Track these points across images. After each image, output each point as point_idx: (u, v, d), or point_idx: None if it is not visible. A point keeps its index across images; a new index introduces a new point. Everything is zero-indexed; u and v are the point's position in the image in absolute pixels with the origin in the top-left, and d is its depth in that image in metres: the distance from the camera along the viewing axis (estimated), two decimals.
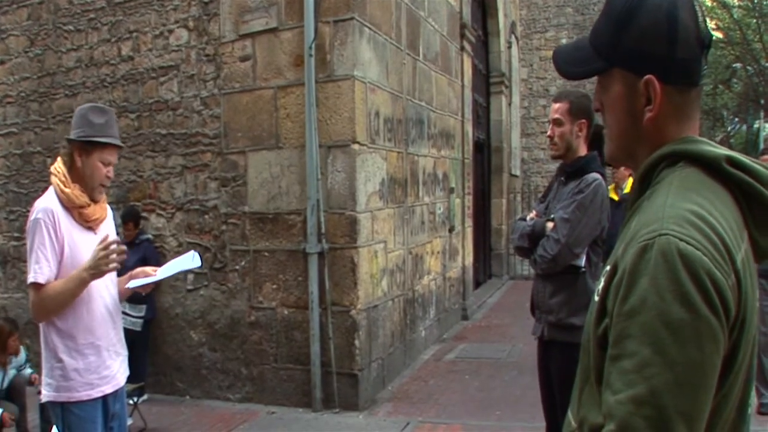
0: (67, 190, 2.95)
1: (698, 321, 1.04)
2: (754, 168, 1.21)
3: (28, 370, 5.68)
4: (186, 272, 3.69)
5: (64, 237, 2.90)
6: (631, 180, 5.88)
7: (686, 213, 1.12)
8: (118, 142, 3.10)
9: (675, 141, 1.26)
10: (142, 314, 6.49)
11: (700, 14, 1.27)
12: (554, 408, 3.47)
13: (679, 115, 1.28)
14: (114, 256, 2.87)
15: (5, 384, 5.44)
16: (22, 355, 5.69)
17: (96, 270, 2.84)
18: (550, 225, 3.40)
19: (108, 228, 3.19)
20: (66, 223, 2.92)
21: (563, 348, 3.32)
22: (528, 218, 3.60)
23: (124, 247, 2.94)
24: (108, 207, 3.25)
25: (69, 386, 2.92)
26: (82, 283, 2.85)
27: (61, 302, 2.86)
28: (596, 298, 1.23)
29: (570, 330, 3.29)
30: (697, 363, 1.04)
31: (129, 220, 6.58)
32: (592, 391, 1.23)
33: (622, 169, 6.08)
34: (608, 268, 1.20)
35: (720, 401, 1.12)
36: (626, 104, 1.31)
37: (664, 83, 1.25)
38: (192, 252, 3.34)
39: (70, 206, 2.95)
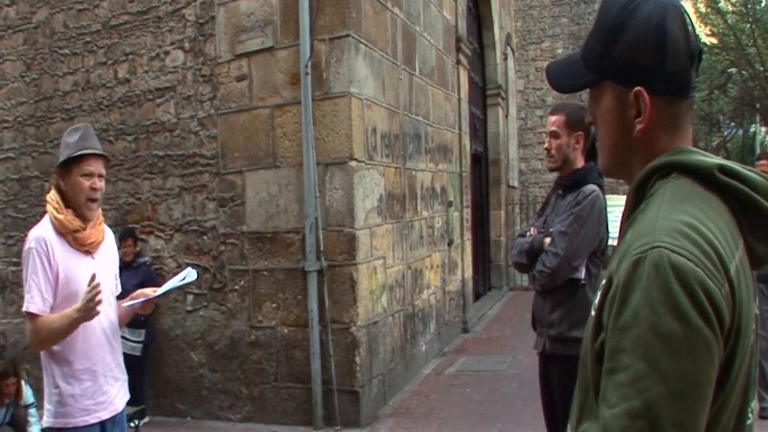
0: (60, 216, 2.96)
1: (691, 332, 1.04)
2: (746, 176, 1.21)
3: (30, 399, 5.62)
4: (184, 287, 3.72)
5: (59, 264, 2.90)
6: None
7: (678, 224, 1.12)
8: (92, 150, 3.05)
9: (667, 152, 1.26)
10: (141, 339, 6.47)
11: (690, 27, 1.27)
12: (556, 422, 3.46)
13: (670, 126, 1.28)
14: (98, 297, 2.79)
15: (7, 418, 5.43)
16: (29, 396, 5.60)
17: (85, 313, 2.80)
18: (547, 241, 3.40)
19: (107, 251, 3.18)
20: (60, 249, 2.92)
21: (565, 361, 3.30)
22: (527, 235, 3.60)
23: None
24: (107, 229, 3.24)
25: (65, 412, 2.91)
26: (73, 322, 2.83)
27: (54, 338, 2.87)
28: (593, 313, 1.23)
29: (571, 343, 3.27)
30: (690, 375, 1.04)
31: (128, 236, 6.57)
32: (591, 405, 1.22)
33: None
34: (604, 281, 1.20)
35: (718, 410, 1.12)
36: (617, 116, 1.31)
37: (654, 95, 1.25)
38: (188, 269, 3.33)
39: (64, 231, 2.95)
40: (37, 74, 7.70)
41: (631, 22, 1.26)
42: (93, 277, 2.81)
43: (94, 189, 3.03)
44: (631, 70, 1.27)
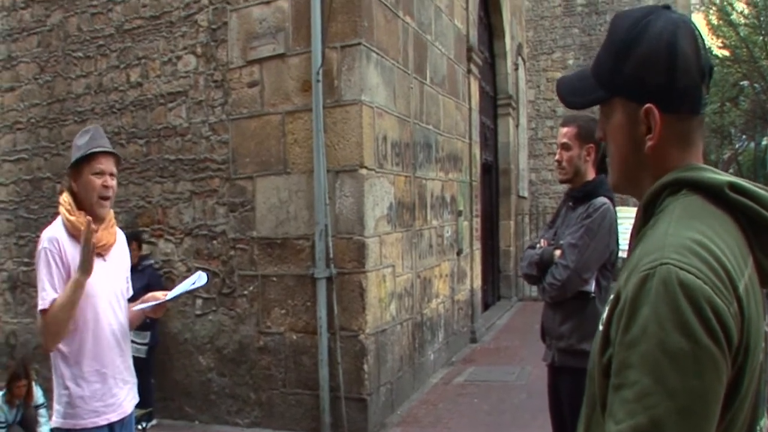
0: (72, 217, 2.98)
1: (698, 350, 1.04)
2: (757, 193, 1.21)
3: (40, 400, 5.65)
4: (194, 291, 3.74)
5: (71, 264, 2.91)
6: None
7: (687, 241, 1.11)
8: (103, 148, 3.06)
9: (678, 169, 1.26)
10: (146, 341, 6.46)
11: (701, 43, 1.27)
12: None
13: (680, 143, 1.28)
14: (89, 236, 2.82)
15: (18, 418, 5.46)
16: (39, 397, 5.63)
17: (85, 265, 2.83)
18: (557, 253, 3.39)
19: (119, 253, 3.20)
20: (72, 250, 2.93)
21: (574, 374, 3.29)
22: (537, 246, 3.60)
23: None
24: (119, 232, 3.26)
25: (74, 413, 2.92)
26: (77, 285, 2.84)
27: (66, 314, 2.85)
28: (601, 327, 1.23)
29: (581, 356, 3.26)
30: (697, 392, 1.04)
31: (132, 240, 6.52)
32: (598, 419, 1.22)
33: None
34: (612, 296, 1.20)
35: (726, 428, 1.11)
36: (627, 133, 1.31)
37: (664, 112, 1.25)
38: (198, 272, 3.34)
39: (76, 233, 2.95)
40: (51, 77, 7.76)
41: (642, 38, 1.26)
42: (87, 224, 2.82)
43: (105, 187, 3.04)
44: (642, 87, 1.27)
